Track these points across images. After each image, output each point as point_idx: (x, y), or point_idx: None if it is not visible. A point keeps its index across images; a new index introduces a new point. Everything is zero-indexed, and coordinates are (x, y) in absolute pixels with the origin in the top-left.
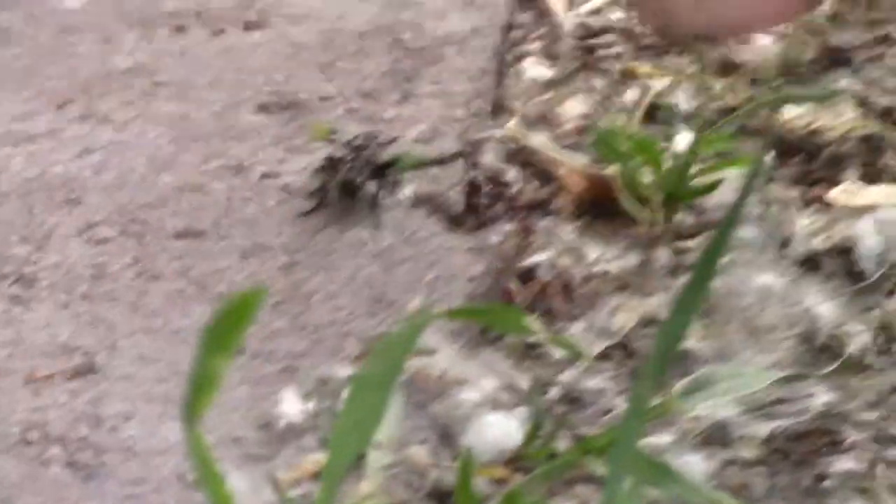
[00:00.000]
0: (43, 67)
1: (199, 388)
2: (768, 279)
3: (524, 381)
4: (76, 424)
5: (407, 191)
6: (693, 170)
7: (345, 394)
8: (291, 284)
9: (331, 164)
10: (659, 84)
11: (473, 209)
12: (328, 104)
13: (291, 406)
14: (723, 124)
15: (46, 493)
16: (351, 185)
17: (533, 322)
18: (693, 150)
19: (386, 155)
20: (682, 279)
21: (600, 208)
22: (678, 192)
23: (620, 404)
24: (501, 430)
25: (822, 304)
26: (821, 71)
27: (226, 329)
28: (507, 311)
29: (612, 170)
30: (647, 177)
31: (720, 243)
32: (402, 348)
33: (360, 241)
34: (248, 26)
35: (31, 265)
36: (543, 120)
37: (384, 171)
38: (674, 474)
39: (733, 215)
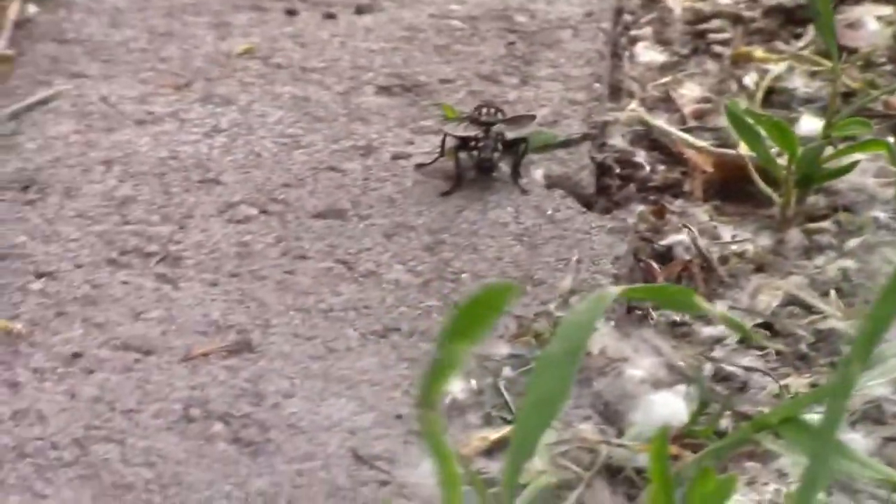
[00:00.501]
0: (157, 50)
1: (438, 373)
2: None
3: (678, 359)
4: (238, 401)
5: (537, 173)
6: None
7: (505, 371)
8: (438, 264)
9: (463, 144)
10: (775, 68)
11: (605, 191)
12: (449, 87)
13: (453, 384)
14: (850, 109)
15: (215, 469)
16: (488, 163)
17: (703, 302)
18: (827, 133)
19: (513, 132)
20: (818, 260)
21: (730, 189)
22: (812, 175)
23: (771, 383)
24: (668, 407)
25: None
26: None
27: (473, 318)
28: (679, 291)
29: (740, 151)
30: (780, 158)
31: None
32: (584, 327)
33: (502, 221)
34: (360, 10)
35: (175, 244)
36: (662, 103)
37: (516, 148)
38: (849, 451)
39: None
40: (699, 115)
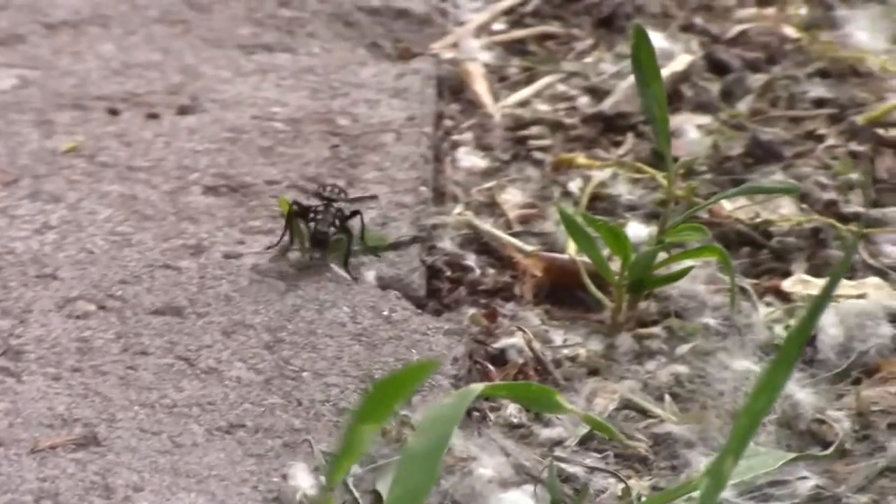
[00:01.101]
0: None
1: (344, 453)
2: (739, 365)
3: (524, 459)
4: (88, 495)
5: (369, 274)
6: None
7: (353, 469)
8: (278, 362)
9: (300, 212)
10: (599, 174)
11: (435, 293)
12: (275, 188)
13: (303, 479)
14: (681, 216)
15: None
16: (323, 236)
17: (565, 401)
18: (661, 239)
19: (349, 211)
20: (649, 364)
21: (560, 294)
22: (644, 280)
23: (613, 484)
24: None
25: (799, 391)
26: (751, 165)
27: (382, 398)
28: (542, 390)
29: (568, 255)
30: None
31: (810, 321)
32: (448, 422)
33: (339, 321)
34: (183, 110)
35: (15, 338)
36: (487, 207)
37: (350, 230)
38: None
39: (826, 293)
40: (524, 220)
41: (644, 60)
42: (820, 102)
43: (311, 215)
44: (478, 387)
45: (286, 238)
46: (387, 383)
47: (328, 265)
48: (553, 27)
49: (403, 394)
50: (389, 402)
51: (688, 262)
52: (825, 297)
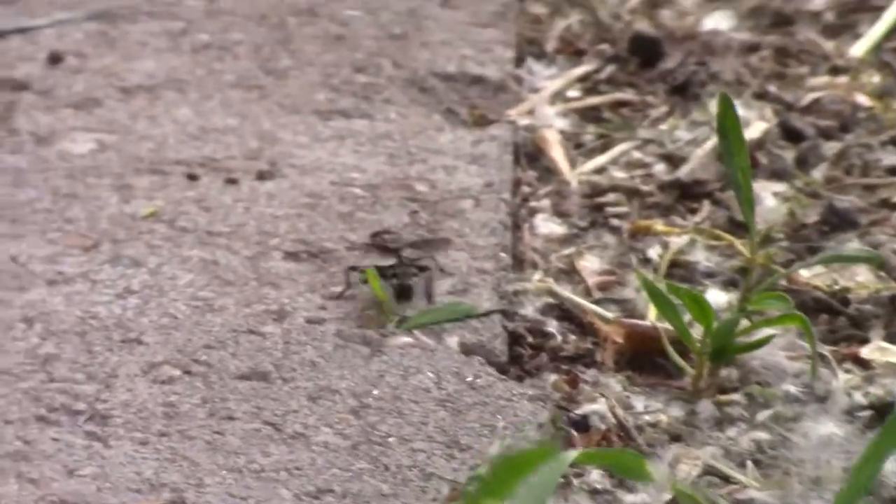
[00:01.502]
0: (62, 211)
1: None
2: (821, 431)
3: None
4: None
5: (451, 340)
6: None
7: None
8: (365, 427)
9: (380, 272)
10: (677, 241)
11: (517, 360)
12: (356, 254)
13: None
14: (764, 284)
15: None
16: (408, 289)
17: (653, 469)
18: (743, 307)
19: (418, 254)
20: (730, 431)
21: (641, 360)
22: (726, 348)
23: None
24: None
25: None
26: (827, 233)
27: (506, 475)
28: (631, 457)
29: (650, 322)
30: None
31: None
32: (544, 489)
33: (424, 386)
34: (261, 176)
35: (102, 402)
36: (565, 274)
37: (427, 271)
38: None
39: None
40: (603, 287)
41: (730, 129)
42: (894, 170)
43: (390, 271)
44: (571, 454)
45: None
46: (513, 460)
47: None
48: (627, 94)
49: (526, 473)
50: (513, 480)
51: (769, 330)
52: None
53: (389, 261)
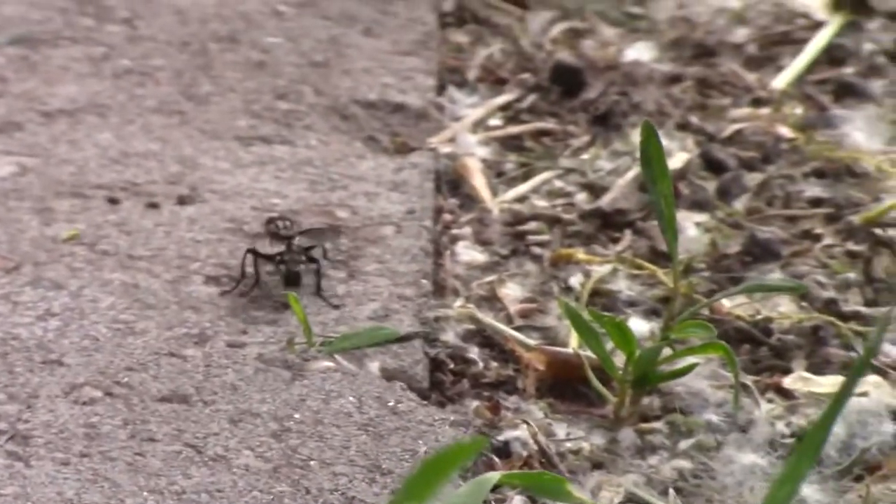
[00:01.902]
0: None
1: None
2: (743, 460)
3: None
4: None
5: (373, 366)
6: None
7: None
8: (286, 450)
9: (264, 257)
10: (599, 269)
11: (438, 386)
12: (277, 278)
13: None
14: (685, 313)
15: None
16: (295, 276)
17: (575, 491)
18: (665, 335)
19: (309, 242)
20: (651, 459)
21: (563, 388)
22: (648, 376)
23: None
24: None
25: (805, 487)
26: (749, 263)
27: (429, 476)
28: (553, 479)
29: (572, 350)
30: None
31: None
32: None
33: (345, 411)
34: (182, 200)
35: (23, 423)
36: (487, 302)
37: (316, 259)
38: None
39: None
40: (525, 315)
41: (653, 157)
42: (816, 202)
43: (278, 258)
44: (494, 475)
45: (246, 281)
46: (435, 461)
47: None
48: (549, 123)
49: (450, 472)
50: (436, 480)
51: (691, 359)
52: (849, 390)
53: (280, 247)
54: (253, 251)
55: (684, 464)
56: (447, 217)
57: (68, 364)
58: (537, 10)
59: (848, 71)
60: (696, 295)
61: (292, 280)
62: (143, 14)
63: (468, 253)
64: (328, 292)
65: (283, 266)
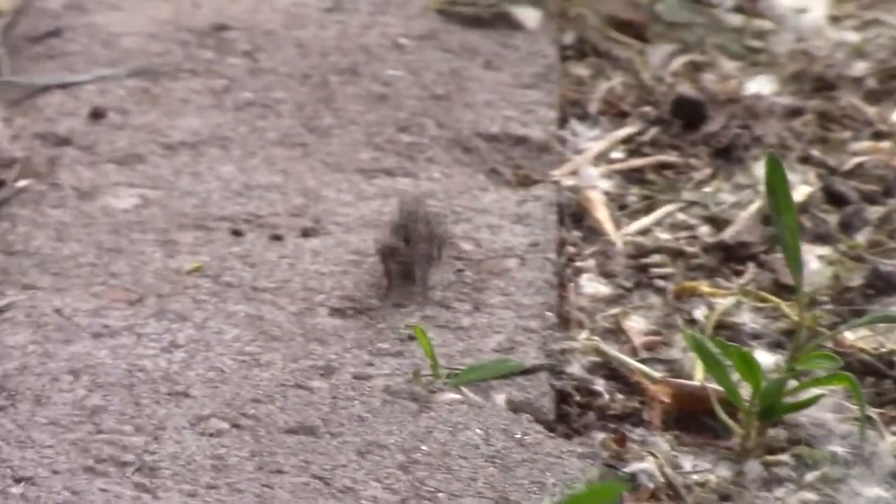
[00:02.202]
0: (107, 265)
1: None
2: (869, 493)
3: None
4: None
5: (499, 398)
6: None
7: None
8: (413, 483)
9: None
10: (723, 302)
11: (565, 418)
12: (402, 311)
13: None
14: (809, 345)
15: None
16: (408, 272)
17: None
18: (791, 367)
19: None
20: (778, 492)
21: (688, 420)
22: (774, 407)
23: None
24: None
25: None
26: (872, 296)
27: None
28: None
29: (698, 381)
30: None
31: None
32: None
33: (472, 443)
34: (306, 233)
35: (150, 454)
36: (611, 334)
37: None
38: None
39: None
40: (650, 347)
41: (778, 188)
42: None
43: (396, 256)
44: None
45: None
46: (576, 499)
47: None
48: (671, 156)
49: None
50: None
51: (817, 390)
52: None
53: (398, 246)
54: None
55: (810, 496)
56: (571, 249)
57: (194, 395)
58: (658, 43)
59: None
60: (820, 328)
61: (408, 277)
62: (264, 47)
63: (592, 285)
64: (454, 324)
65: (399, 265)
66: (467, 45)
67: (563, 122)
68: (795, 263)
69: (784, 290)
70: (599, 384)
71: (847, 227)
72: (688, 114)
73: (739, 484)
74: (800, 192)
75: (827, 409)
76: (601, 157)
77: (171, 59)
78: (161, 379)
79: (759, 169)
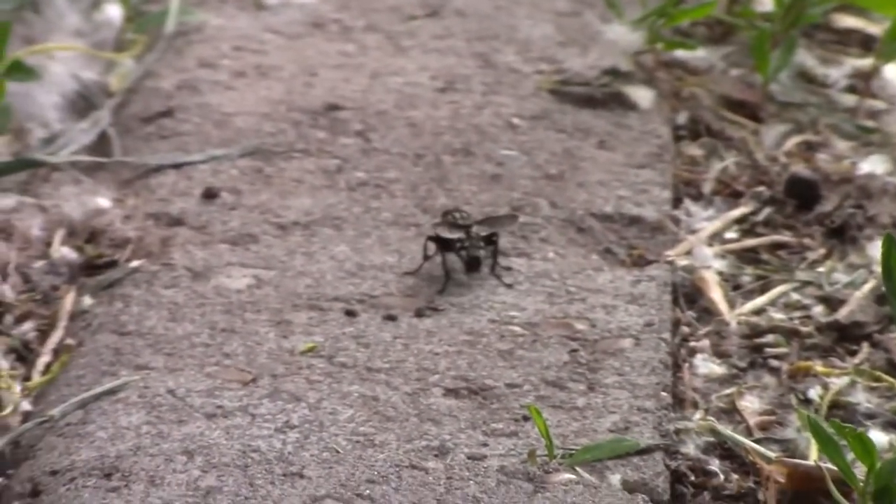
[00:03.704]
0: (220, 345)
1: None
2: None
3: None
4: None
5: (614, 478)
6: None
7: None
8: None
9: (448, 246)
10: (837, 381)
11: (680, 498)
12: (516, 391)
13: None
14: None
15: None
16: (476, 261)
17: None
18: None
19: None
20: None
21: (802, 500)
22: (889, 488)
23: None
24: None
25: None
26: None
27: None
28: None
29: (813, 462)
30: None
31: None
32: None
33: None
34: (420, 313)
35: None
36: (725, 414)
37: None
38: None
39: None
40: (764, 427)
41: (894, 269)
42: None
43: (458, 244)
44: None
45: (426, 266)
46: None
47: None
48: (785, 236)
49: None
50: None
51: None
52: None
53: (458, 234)
54: (435, 237)
55: None
56: (685, 329)
57: (309, 476)
58: (771, 123)
59: None
60: None
61: (473, 265)
62: (376, 127)
63: (706, 365)
64: (568, 404)
65: (464, 252)
66: (580, 125)
67: (676, 202)
68: None
69: None
70: (714, 464)
71: None
72: (801, 194)
73: None
74: None
75: None
76: (715, 237)
77: (283, 139)
78: (275, 459)
79: (873, 249)
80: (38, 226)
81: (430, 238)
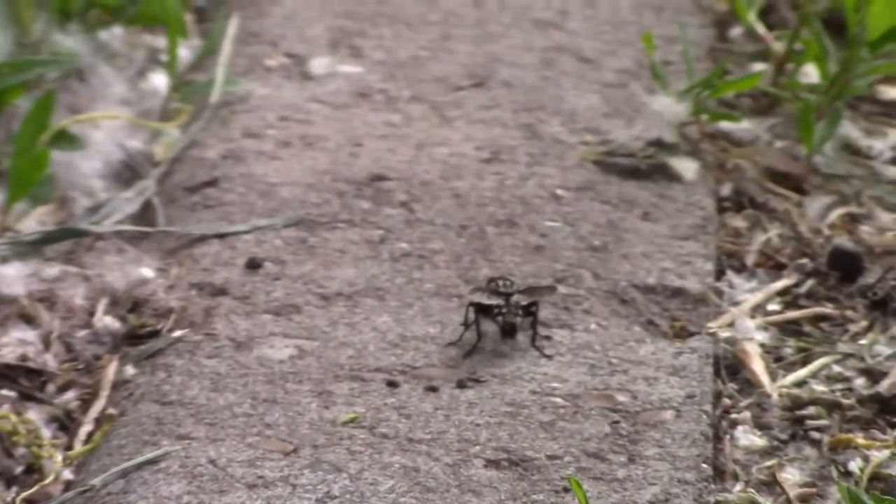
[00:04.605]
0: (262, 415)
1: None
2: None
3: None
4: None
5: None
6: None
7: None
8: None
9: (485, 311)
10: (878, 454)
11: None
12: (557, 463)
13: None
14: None
15: None
16: (511, 327)
17: None
18: None
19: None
20: None
21: None
22: None
23: None
24: None
25: None
26: None
27: None
28: None
29: None
30: None
31: None
32: None
33: None
34: (461, 384)
35: None
36: (765, 486)
37: (532, 314)
38: None
39: None
40: (805, 499)
41: None
42: None
43: (496, 311)
44: None
45: (468, 335)
46: None
47: None
48: (827, 308)
49: None
50: None
51: None
52: None
53: (497, 301)
54: (475, 304)
55: None
56: (726, 401)
57: None
58: (815, 194)
59: None
60: None
61: (509, 331)
62: (421, 197)
63: (747, 437)
64: (608, 475)
65: (501, 318)
66: (625, 197)
67: (719, 274)
68: None
69: None
70: None
71: None
72: (844, 266)
73: None
74: None
75: None
76: (758, 309)
77: (327, 210)
78: None
79: None
80: (82, 295)
81: (471, 304)
